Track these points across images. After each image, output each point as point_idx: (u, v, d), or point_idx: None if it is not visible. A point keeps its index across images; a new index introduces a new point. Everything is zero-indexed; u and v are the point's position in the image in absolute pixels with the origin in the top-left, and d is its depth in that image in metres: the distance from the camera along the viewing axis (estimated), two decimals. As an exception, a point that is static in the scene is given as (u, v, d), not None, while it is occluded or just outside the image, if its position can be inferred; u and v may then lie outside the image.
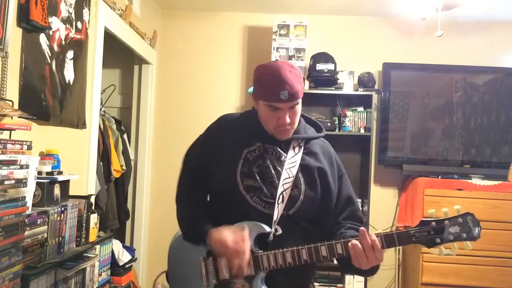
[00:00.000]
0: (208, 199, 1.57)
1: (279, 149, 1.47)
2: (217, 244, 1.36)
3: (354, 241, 1.29)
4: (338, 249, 1.32)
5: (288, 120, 1.41)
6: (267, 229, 1.38)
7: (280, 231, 1.38)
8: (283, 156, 1.46)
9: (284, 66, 1.40)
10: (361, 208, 3.49)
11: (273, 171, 1.44)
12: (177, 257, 1.56)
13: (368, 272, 1.36)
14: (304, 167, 1.45)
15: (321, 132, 1.57)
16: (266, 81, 1.41)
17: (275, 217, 1.38)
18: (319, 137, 1.56)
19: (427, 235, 1.27)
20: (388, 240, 1.29)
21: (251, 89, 1.55)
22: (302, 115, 1.53)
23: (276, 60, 1.34)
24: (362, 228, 1.31)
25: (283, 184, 1.41)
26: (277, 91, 1.36)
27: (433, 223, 1.28)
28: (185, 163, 1.60)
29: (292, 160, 1.45)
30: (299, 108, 1.44)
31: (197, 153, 1.57)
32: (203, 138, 1.58)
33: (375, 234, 1.29)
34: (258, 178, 1.43)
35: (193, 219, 1.49)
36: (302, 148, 1.49)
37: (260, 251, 1.37)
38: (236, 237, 1.34)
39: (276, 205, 1.39)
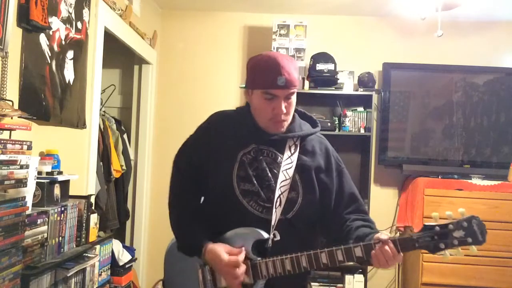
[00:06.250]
0: (203, 201, 1.53)
1: (274, 150, 1.42)
2: (212, 259, 1.34)
3: (376, 251, 1.23)
4: (338, 256, 1.27)
5: (284, 110, 1.36)
6: (265, 235, 1.33)
7: (278, 237, 1.34)
8: (279, 158, 1.41)
9: (280, 55, 1.39)
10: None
11: (269, 174, 1.39)
12: (174, 264, 1.53)
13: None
14: (301, 167, 1.41)
15: (317, 127, 1.51)
16: (262, 67, 1.37)
17: (273, 222, 1.34)
18: (315, 133, 1.50)
19: (431, 240, 1.21)
20: None
21: (243, 84, 1.53)
22: (296, 110, 1.47)
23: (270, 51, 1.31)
24: (379, 237, 1.25)
25: (280, 187, 1.36)
26: (274, 77, 1.33)
27: (437, 227, 1.21)
28: (175, 168, 1.54)
29: (288, 161, 1.40)
30: (294, 99, 1.40)
31: (188, 157, 1.51)
32: (193, 141, 1.52)
33: (374, 241, 1.25)
34: (255, 182, 1.38)
35: (187, 231, 1.45)
36: (298, 147, 1.43)
37: (259, 259, 1.33)
38: (230, 250, 1.32)
39: (274, 209, 1.35)
